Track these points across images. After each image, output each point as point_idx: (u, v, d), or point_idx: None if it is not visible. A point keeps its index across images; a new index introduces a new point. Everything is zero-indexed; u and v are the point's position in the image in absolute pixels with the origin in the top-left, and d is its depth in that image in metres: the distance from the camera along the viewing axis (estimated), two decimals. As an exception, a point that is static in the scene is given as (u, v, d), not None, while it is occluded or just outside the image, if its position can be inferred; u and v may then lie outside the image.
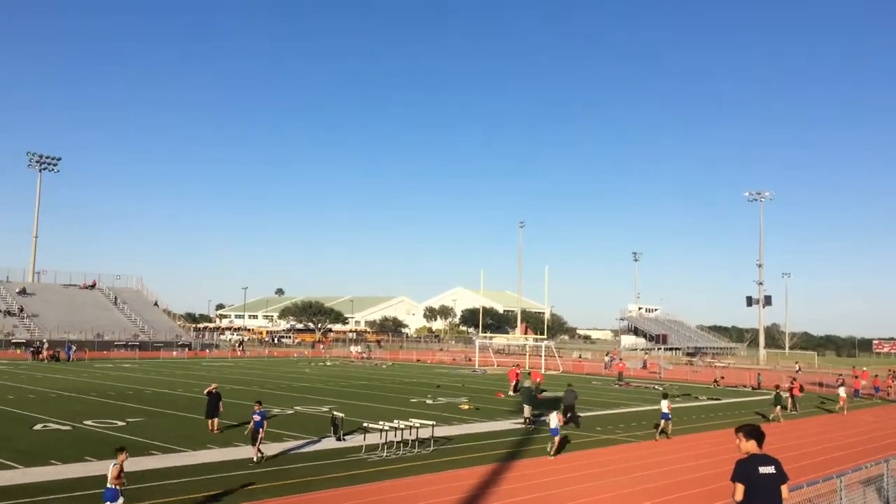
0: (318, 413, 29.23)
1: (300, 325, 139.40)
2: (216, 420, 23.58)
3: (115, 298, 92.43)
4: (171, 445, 20.68)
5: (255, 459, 18.51)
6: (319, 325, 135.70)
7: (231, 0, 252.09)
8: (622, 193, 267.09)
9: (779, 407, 32.08)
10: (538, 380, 37.72)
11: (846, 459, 21.08)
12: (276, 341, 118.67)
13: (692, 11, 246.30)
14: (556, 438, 21.37)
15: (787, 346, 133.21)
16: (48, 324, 78.06)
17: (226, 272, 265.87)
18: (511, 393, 39.46)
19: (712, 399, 41.63)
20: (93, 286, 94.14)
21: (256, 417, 18.89)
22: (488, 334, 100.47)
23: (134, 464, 17.93)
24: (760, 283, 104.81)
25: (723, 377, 56.59)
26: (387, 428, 20.94)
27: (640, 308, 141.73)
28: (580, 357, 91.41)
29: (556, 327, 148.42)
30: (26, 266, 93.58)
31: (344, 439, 22.37)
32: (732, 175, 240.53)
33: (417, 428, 21.48)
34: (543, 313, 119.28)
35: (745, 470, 7.55)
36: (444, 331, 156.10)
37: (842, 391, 36.75)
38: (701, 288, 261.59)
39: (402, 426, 21.17)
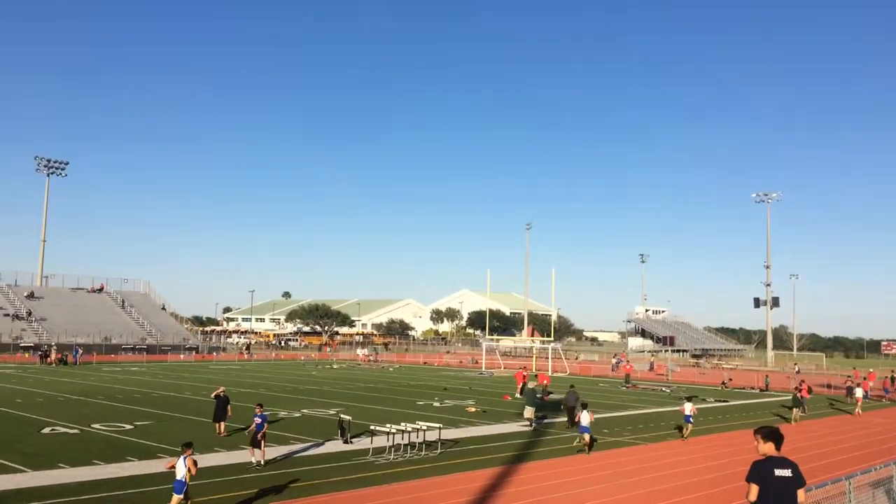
0: (325, 416, 29.24)
1: (307, 328, 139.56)
2: (224, 423, 23.59)
3: (123, 302, 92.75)
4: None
5: (253, 462, 18.56)
6: (326, 328, 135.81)
7: (239, 4, 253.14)
8: (629, 195, 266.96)
9: (796, 409, 32.03)
10: (545, 382, 37.63)
11: (857, 461, 20.96)
12: (283, 344, 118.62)
13: (701, 12, 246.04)
14: (587, 436, 21.39)
15: (795, 347, 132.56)
16: (56, 327, 78.29)
17: (233, 275, 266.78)
18: (518, 395, 39.37)
19: (720, 401, 41.49)
20: (100, 290, 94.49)
21: (257, 420, 18.94)
22: (495, 337, 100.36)
23: (141, 467, 18.02)
24: (768, 285, 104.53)
25: (731, 379, 56.41)
26: (394, 430, 20.91)
27: (647, 310, 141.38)
28: (577, 359, 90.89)
29: (563, 329, 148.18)
30: (34, 270, 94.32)
31: (351, 442, 22.38)
32: (740, 176, 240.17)
33: (424, 430, 21.44)
34: (550, 315, 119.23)
35: (760, 471, 7.51)
36: (451, 333, 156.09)
37: (858, 391, 36.77)
38: (708, 289, 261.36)
39: (409, 429, 21.14)
